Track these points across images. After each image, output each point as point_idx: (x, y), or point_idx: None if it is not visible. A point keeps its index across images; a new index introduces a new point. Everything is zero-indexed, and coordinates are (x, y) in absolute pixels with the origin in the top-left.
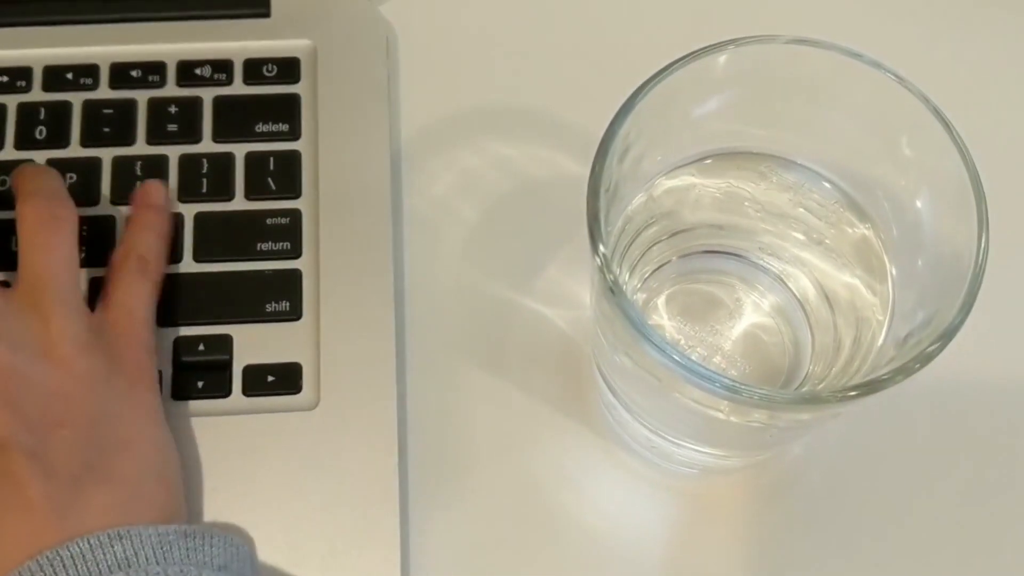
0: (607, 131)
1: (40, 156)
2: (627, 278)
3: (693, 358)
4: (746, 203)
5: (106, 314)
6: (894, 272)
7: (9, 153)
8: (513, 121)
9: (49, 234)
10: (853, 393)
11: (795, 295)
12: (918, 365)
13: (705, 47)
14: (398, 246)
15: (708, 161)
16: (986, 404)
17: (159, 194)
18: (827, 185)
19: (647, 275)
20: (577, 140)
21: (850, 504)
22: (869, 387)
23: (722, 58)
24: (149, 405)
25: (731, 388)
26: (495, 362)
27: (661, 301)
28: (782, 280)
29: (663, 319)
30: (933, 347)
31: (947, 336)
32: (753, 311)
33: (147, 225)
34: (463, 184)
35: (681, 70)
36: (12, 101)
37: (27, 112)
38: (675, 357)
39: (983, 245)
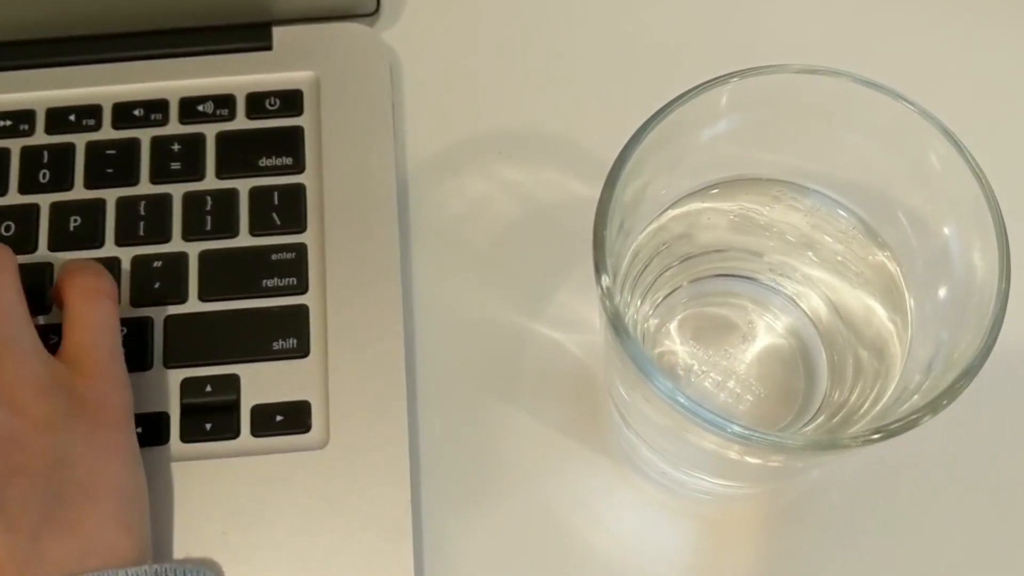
0: (615, 163)
1: (44, 200)
2: (639, 305)
3: (707, 384)
4: (759, 226)
5: (65, 353)
6: (912, 301)
7: (13, 198)
8: (520, 145)
9: None
10: (876, 437)
11: (808, 316)
12: (946, 401)
13: (714, 78)
14: (406, 277)
15: (715, 191)
16: (1014, 419)
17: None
18: (842, 213)
19: (659, 301)
20: (585, 162)
21: (873, 524)
22: (889, 432)
23: (731, 88)
24: (116, 446)
25: (743, 436)
26: (507, 390)
27: (673, 326)
28: (795, 301)
29: (676, 344)
30: (959, 383)
31: (971, 372)
32: (767, 333)
33: (76, 265)
34: (471, 210)
35: (691, 101)
36: (15, 145)
37: (30, 155)
38: (680, 400)
39: (1005, 274)
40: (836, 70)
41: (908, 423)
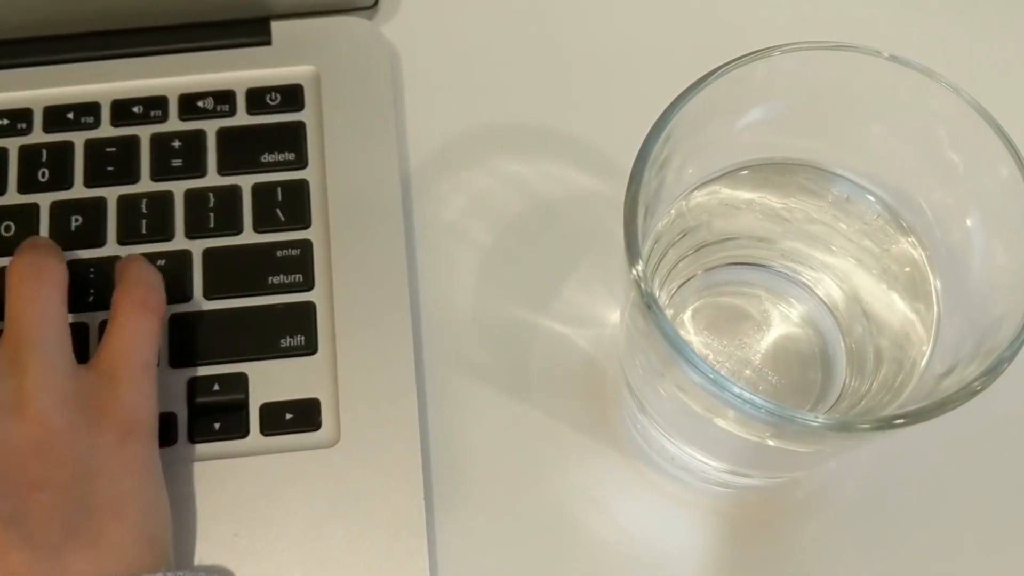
0: (644, 144)
1: (44, 199)
2: (657, 295)
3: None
4: (778, 214)
5: (98, 361)
6: (939, 288)
7: (12, 197)
8: (523, 138)
9: (33, 285)
10: (910, 419)
11: (826, 305)
12: (980, 385)
13: (744, 55)
14: (412, 271)
15: (744, 172)
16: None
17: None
18: (870, 198)
19: (673, 291)
20: (588, 154)
21: (890, 514)
22: (924, 413)
23: (761, 67)
24: (141, 460)
25: (775, 413)
26: (517, 386)
27: (687, 316)
28: (812, 290)
29: (690, 334)
30: (983, 378)
31: (1003, 361)
32: (781, 322)
33: (140, 263)
34: (475, 205)
35: (719, 80)
36: (13, 144)
37: (29, 155)
38: (716, 378)
39: None
40: (868, 47)
41: (940, 407)
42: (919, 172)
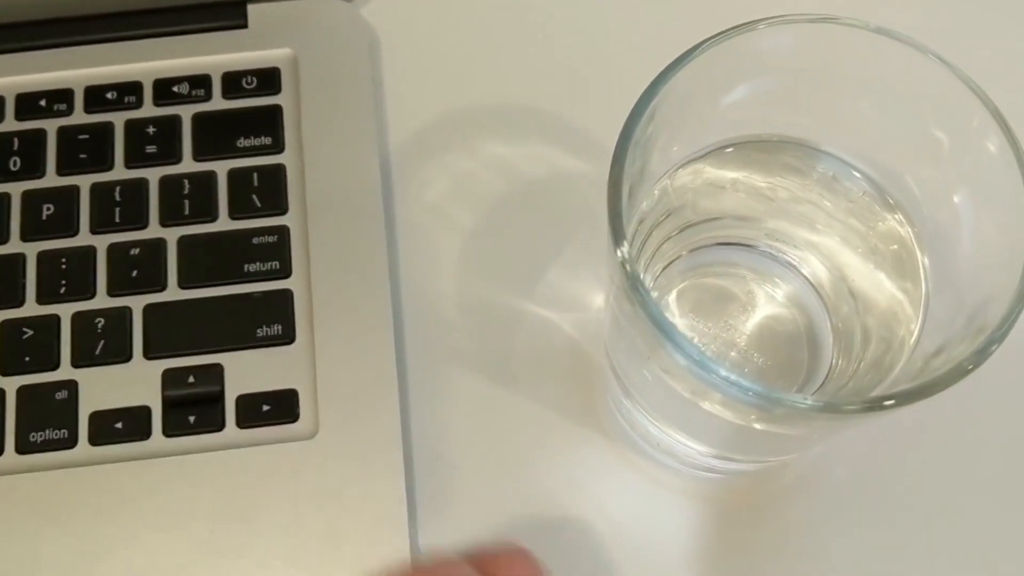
0: (627, 122)
1: (15, 188)
2: (642, 277)
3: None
4: (763, 192)
5: None
6: (927, 265)
7: None
8: (506, 120)
9: None
10: (898, 400)
11: (811, 284)
12: (970, 365)
13: (728, 29)
14: (392, 257)
15: (729, 150)
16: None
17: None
18: (856, 175)
19: (658, 272)
20: (571, 135)
21: (879, 498)
22: (913, 394)
23: (746, 40)
24: None
25: (762, 395)
26: (500, 372)
27: (672, 298)
28: (796, 268)
29: (675, 317)
30: (973, 357)
31: (993, 341)
32: (767, 302)
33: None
34: (457, 188)
35: (703, 55)
36: None
37: (0, 143)
38: (702, 360)
39: None
40: (856, 19)
41: (926, 388)
42: (906, 147)
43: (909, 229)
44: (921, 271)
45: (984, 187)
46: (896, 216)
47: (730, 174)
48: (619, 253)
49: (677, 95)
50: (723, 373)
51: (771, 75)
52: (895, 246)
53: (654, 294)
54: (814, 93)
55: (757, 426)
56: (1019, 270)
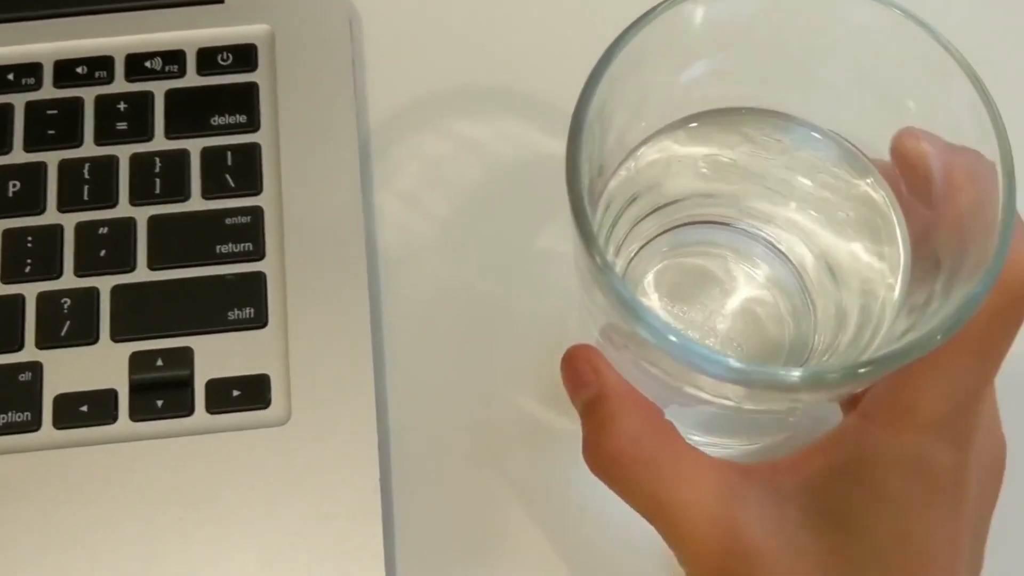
0: (579, 101)
1: None
2: (613, 260)
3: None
4: (732, 168)
5: None
6: (903, 230)
7: None
8: (484, 100)
9: None
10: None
11: (791, 262)
12: (940, 336)
13: None
14: (370, 240)
15: (694, 125)
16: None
17: None
18: (827, 141)
19: (632, 254)
20: (551, 116)
21: None
22: (892, 359)
23: (701, 8)
24: None
25: (739, 371)
26: (480, 361)
27: (649, 280)
28: (775, 246)
29: (651, 300)
30: (953, 319)
31: (974, 299)
32: (747, 283)
33: None
34: (437, 169)
35: (651, 24)
36: None
37: None
38: (675, 339)
39: (1009, 199)
40: None
41: (907, 351)
42: (873, 109)
43: (883, 193)
44: (898, 233)
45: (955, 141)
46: (867, 180)
47: (694, 150)
48: (582, 237)
49: (629, 67)
50: (703, 351)
51: (730, 41)
52: (869, 211)
53: (629, 277)
54: (775, 59)
55: (731, 402)
56: (996, 228)
